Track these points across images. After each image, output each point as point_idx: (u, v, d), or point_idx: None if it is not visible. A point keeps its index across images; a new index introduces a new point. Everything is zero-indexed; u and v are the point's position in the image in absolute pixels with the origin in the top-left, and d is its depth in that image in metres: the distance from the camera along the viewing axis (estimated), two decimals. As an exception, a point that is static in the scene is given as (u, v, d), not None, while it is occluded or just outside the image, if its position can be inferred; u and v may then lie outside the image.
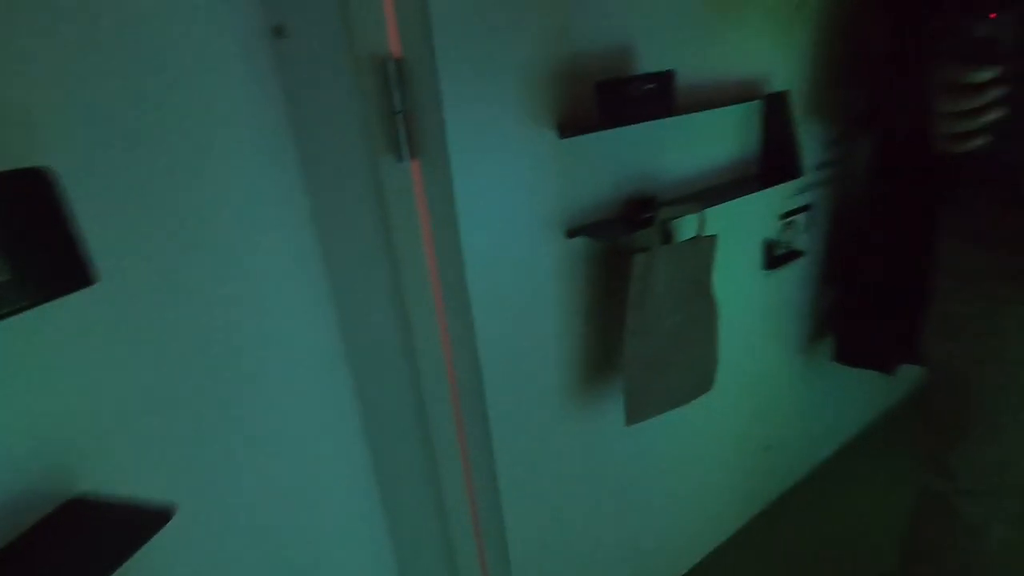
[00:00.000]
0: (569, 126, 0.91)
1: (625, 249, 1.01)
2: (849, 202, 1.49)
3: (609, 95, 0.89)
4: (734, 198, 1.10)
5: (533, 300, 0.98)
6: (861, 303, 1.52)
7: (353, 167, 0.84)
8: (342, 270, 0.93)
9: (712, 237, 1.07)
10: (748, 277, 1.34)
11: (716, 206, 1.06)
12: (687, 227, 1.09)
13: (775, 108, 1.19)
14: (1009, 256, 0.88)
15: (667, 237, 1.07)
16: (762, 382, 1.49)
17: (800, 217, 1.40)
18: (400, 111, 0.80)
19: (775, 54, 1.19)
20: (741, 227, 1.26)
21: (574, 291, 1.02)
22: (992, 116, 0.75)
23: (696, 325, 1.11)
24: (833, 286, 1.56)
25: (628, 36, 0.96)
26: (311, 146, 0.86)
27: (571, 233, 0.98)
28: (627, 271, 0.99)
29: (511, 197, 0.90)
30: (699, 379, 1.17)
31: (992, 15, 0.71)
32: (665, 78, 0.93)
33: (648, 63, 0.98)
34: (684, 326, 1.09)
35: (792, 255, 1.40)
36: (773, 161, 1.23)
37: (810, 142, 1.31)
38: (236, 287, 0.83)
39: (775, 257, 1.37)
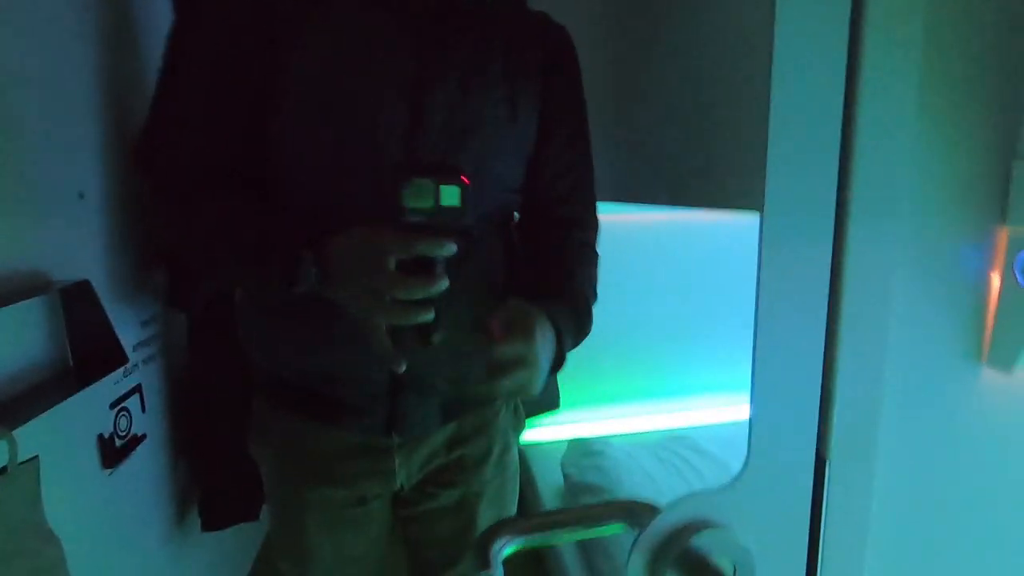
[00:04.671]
0: None
1: None
2: (179, 372, 1.52)
3: None
4: (48, 408, 0.95)
5: None
6: (211, 464, 1.55)
7: None
8: None
9: (33, 461, 0.88)
10: (88, 484, 1.16)
11: (28, 422, 0.89)
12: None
13: (77, 299, 1.10)
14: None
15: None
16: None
17: (133, 400, 1.33)
18: None
19: (63, 246, 1.11)
20: (65, 433, 1.09)
21: None
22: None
23: None
24: (184, 458, 1.54)
25: None
26: None
27: None
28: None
29: None
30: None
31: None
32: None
33: None
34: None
35: (134, 442, 1.31)
36: (89, 353, 1.13)
37: (125, 325, 1.28)
38: None
39: (116, 450, 1.24)
